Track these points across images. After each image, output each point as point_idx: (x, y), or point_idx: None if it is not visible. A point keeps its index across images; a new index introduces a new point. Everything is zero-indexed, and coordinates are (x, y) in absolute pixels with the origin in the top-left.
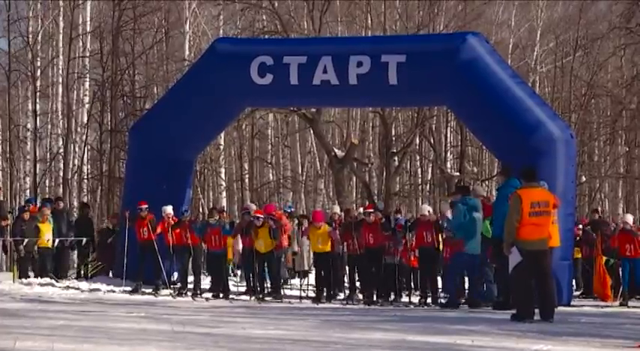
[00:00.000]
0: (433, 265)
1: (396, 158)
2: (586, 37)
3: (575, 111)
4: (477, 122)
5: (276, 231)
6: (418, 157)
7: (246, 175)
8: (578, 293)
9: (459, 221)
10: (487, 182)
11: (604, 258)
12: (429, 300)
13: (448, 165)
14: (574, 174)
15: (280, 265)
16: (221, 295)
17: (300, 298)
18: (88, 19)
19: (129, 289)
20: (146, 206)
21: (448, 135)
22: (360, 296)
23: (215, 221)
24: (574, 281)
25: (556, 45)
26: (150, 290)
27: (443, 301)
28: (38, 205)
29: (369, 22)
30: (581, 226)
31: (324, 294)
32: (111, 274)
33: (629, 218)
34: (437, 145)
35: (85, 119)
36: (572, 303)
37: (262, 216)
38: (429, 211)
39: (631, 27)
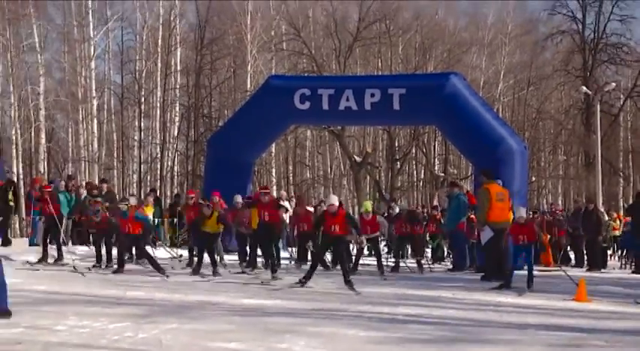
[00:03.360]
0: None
1: (398, 163)
2: (536, 77)
3: (528, 130)
4: (457, 137)
5: (223, 218)
6: (414, 162)
7: (291, 174)
8: None
9: (462, 208)
10: (464, 180)
11: (548, 235)
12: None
13: (436, 168)
14: (526, 175)
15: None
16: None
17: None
18: (179, 61)
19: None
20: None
21: (436, 146)
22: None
23: (127, 208)
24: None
25: (514, 82)
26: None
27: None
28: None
29: (380, 64)
30: (530, 212)
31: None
32: None
33: (523, 212)
34: (427, 153)
35: (176, 133)
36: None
37: (211, 205)
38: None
39: (568, 69)
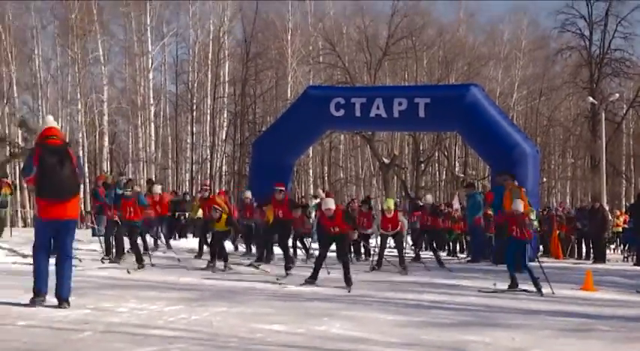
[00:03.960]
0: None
1: (422, 164)
2: (547, 88)
3: (540, 136)
4: (476, 142)
5: (231, 219)
6: (436, 164)
7: (326, 174)
8: (540, 253)
9: (478, 206)
10: (481, 180)
11: (557, 231)
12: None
13: (456, 169)
14: (538, 176)
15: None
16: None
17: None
18: (227, 72)
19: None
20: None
21: (456, 149)
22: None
23: (130, 193)
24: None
25: (527, 93)
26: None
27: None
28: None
29: (406, 76)
30: (540, 210)
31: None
32: None
33: (520, 205)
34: (449, 156)
35: (224, 137)
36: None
37: (220, 209)
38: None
39: (576, 82)
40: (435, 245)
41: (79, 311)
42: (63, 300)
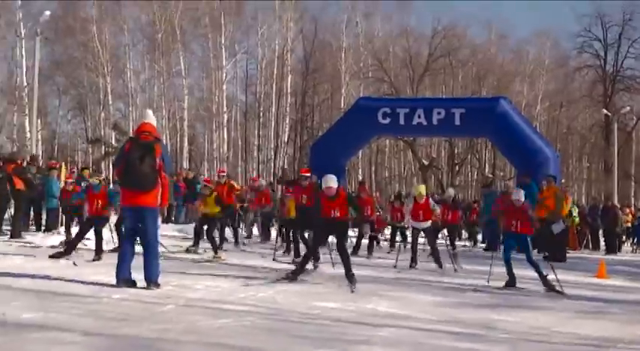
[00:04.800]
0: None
1: (457, 166)
2: (567, 101)
3: (560, 142)
4: (505, 147)
5: (219, 199)
6: (469, 166)
7: (373, 173)
8: None
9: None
10: (507, 181)
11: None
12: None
13: (486, 170)
14: (558, 178)
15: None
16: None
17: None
18: (289, 85)
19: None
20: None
21: (486, 153)
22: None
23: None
24: None
25: (549, 105)
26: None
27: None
28: None
29: (444, 89)
30: None
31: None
32: None
33: (521, 194)
34: (480, 159)
35: (286, 140)
36: None
37: (211, 186)
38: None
39: (592, 96)
40: (451, 240)
41: (164, 288)
42: (151, 282)
